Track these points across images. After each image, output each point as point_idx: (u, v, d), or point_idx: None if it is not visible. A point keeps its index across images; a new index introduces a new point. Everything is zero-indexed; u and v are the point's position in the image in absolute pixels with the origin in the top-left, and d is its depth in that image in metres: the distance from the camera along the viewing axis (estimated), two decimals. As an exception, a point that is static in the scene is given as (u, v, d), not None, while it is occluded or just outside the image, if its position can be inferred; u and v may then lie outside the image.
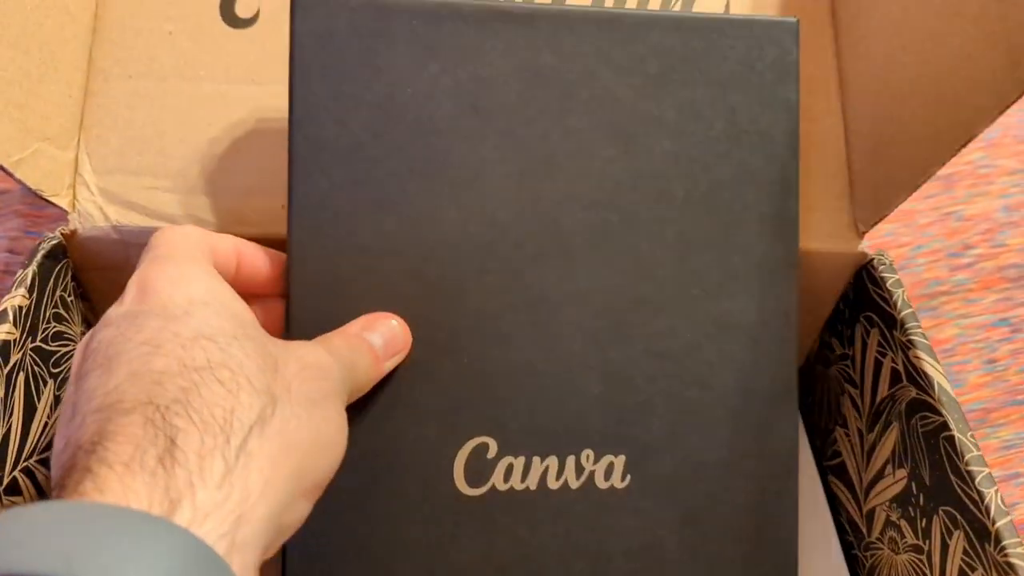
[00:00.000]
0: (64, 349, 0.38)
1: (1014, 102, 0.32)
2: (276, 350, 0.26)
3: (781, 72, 0.34)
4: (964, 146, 0.34)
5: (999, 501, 0.32)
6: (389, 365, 0.31)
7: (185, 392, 0.23)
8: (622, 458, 0.33)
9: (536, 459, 0.33)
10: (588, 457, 0.33)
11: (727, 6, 0.42)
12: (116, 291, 0.28)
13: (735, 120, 0.34)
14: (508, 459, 0.33)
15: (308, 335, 0.30)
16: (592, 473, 0.33)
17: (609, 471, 0.33)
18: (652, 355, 0.34)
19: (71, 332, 0.39)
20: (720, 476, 0.34)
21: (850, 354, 0.42)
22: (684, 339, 0.34)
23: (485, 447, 0.33)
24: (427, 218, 0.32)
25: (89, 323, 0.41)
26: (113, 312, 0.26)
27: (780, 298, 0.35)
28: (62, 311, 0.38)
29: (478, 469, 0.33)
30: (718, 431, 0.34)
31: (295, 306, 0.32)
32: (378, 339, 0.31)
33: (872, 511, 0.40)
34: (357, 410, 0.32)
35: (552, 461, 0.33)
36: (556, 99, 0.33)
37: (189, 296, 0.26)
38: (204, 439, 0.22)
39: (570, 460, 0.33)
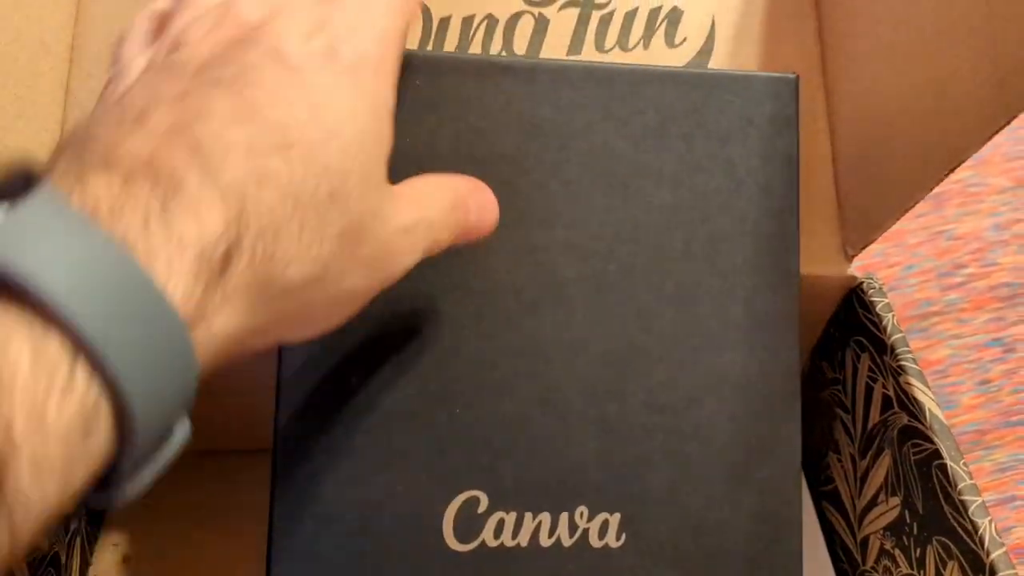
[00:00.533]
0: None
1: (1004, 126, 0.31)
2: (375, 252, 0.24)
3: (780, 127, 0.34)
4: (953, 170, 0.34)
5: (993, 532, 0.31)
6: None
7: (264, 230, 0.20)
8: (617, 516, 0.32)
9: (528, 515, 0.32)
10: (582, 514, 0.32)
11: (711, 32, 0.42)
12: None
13: (734, 173, 0.34)
14: (499, 514, 0.32)
15: (298, 375, 0.31)
16: (586, 531, 0.32)
17: (604, 529, 0.32)
18: (650, 409, 0.33)
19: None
20: (720, 537, 0.33)
21: (841, 378, 0.42)
22: (683, 393, 0.33)
23: (476, 501, 0.32)
24: (422, 266, 0.32)
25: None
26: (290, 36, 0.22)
27: (781, 352, 0.34)
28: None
29: (468, 524, 0.32)
30: (718, 489, 0.33)
31: (287, 350, 0.31)
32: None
33: (866, 539, 0.40)
34: (342, 459, 0.31)
35: (545, 517, 0.32)
36: (554, 151, 0.33)
37: (350, 104, 0.23)
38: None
39: (563, 517, 0.32)
